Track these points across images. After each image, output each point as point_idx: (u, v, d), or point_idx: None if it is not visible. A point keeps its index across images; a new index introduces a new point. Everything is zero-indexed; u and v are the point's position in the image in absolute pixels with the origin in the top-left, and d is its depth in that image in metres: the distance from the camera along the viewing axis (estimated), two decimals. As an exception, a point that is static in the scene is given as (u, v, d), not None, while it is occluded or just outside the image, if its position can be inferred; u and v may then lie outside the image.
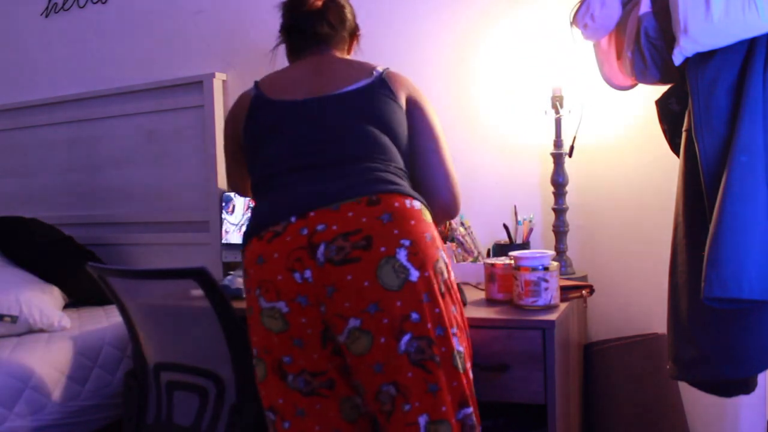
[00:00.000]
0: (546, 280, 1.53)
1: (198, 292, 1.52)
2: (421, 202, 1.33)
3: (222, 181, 2.51)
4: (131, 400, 1.77)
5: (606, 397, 1.85)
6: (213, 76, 2.51)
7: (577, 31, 1.67)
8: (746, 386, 1.46)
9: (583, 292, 1.73)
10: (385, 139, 1.37)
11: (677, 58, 1.36)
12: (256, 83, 1.51)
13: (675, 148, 1.54)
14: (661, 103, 1.56)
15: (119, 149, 2.75)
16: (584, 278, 1.96)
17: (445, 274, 1.29)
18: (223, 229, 2.41)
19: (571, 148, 1.93)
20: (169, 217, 2.65)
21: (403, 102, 1.43)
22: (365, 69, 1.45)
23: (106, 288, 1.70)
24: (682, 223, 1.43)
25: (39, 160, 2.95)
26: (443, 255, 1.30)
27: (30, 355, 1.94)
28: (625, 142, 2.03)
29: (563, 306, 1.59)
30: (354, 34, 1.63)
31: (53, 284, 2.41)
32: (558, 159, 1.95)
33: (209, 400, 1.63)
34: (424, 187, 1.43)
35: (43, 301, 2.22)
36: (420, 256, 1.24)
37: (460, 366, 1.26)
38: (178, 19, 2.66)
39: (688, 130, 1.39)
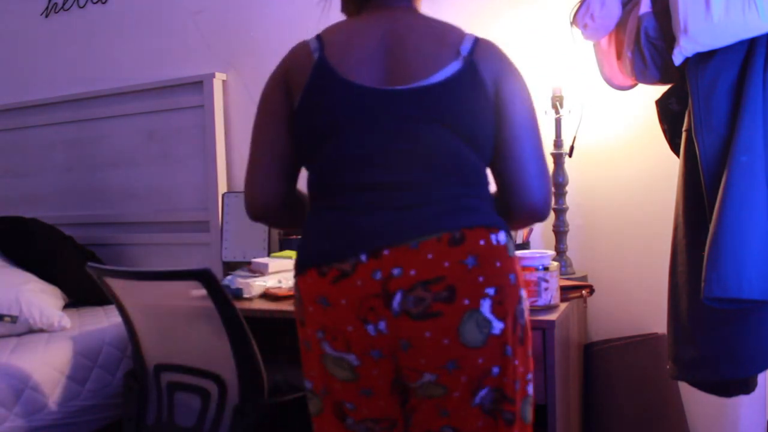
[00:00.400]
0: (546, 280, 1.53)
1: (200, 293, 1.52)
2: (506, 232, 1.13)
3: (222, 181, 2.50)
4: (131, 401, 1.77)
5: (606, 397, 1.85)
6: (213, 76, 2.51)
7: (577, 31, 1.67)
8: (746, 386, 1.46)
9: (583, 292, 1.73)
10: (471, 152, 1.14)
11: (677, 58, 1.36)
12: (319, 37, 1.20)
13: (675, 148, 1.54)
14: (661, 103, 1.56)
15: (119, 149, 2.75)
16: (584, 278, 1.95)
17: (524, 317, 1.14)
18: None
19: (571, 148, 1.93)
20: (169, 217, 2.65)
21: (491, 89, 1.16)
22: (451, 44, 1.16)
23: (105, 288, 1.70)
24: (682, 223, 1.43)
25: (39, 160, 2.95)
26: (523, 294, 1.14)
27: (30, 355, 1.94)
28: (625, 143, 2.03)
29: (563, 306, 1.59)
30: None
31: (53, 284, 2.41)
32: (558, 159, 1.95)
33: (211, 401, 1.62)
34: (506, 184, 1.18)
35: (43, 301, 2.22)
36: (504, 306, 1.08)
37: (527, 414, 1.15)
38: (178, 19, 2.66)
39: (688, 130, 1.39)
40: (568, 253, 1.97)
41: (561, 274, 1.79)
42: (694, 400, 1.90)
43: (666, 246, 1.49)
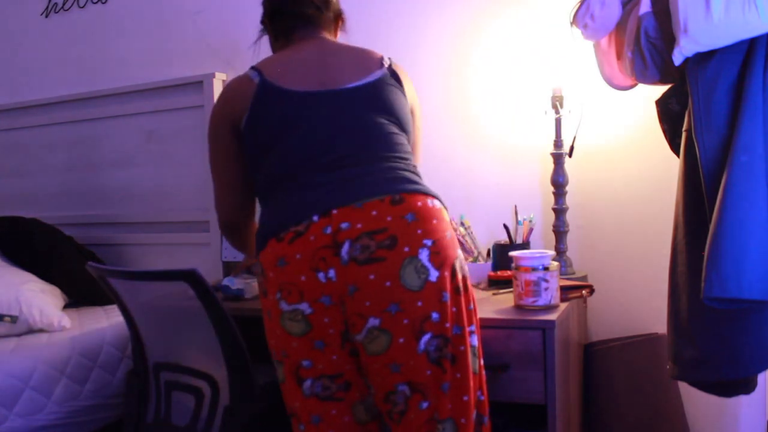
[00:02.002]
0: (546, 280, 1.53)
1: (190, 293, 1.52)
2: (441, 201, 1.33)
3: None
4: (132, 399, 1.77)
5: (606, 397, 1.85)
6: (213, 76, 2.51)
7: (577, 31, 1.67)
8: (746, 386, 1.46)
9: (583, 292, 1.73)
10: (402, 135, 1.38)
11: (677, 58, 1.36)
12: (256, 68, 1.42)
13: (675, 148, 1.54)
14: (661, 103, 1.56)
15: (119, 149, 2.75)
16: (584, 278, 1.95)
17: (463, 271, 1.30)
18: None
19: (571, 148, 1.93)
20: (169, 217, 2.65)
21: (409, 95, 1.45)
22: (374, 59, 1.43)
23: (106, 288, 1.70)
24: (682, 223, 1.43)
25: (39, 160, 2.94)
26: (461, 254, 1.31)
27: (30, 355, 1.94)
28: (625, 142, 2.03)
29: (563, 306, 1.59)
30: (339, 16, 1.58)
31: (53, 284, 2.41)
32: (558, 159, 1.95)
33: (204, 400, 1.63)
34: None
35: (43, 301, 2.22)
36: (441, 256, 1.24)
37: (475, 364, 1.29)
38: (178, 19, 2.66)
39: (688, 130, 1.39)
40: (568, 253, 1.97)
41: (561, 274, 1.79)
42: (694, 400, 1.90)
43: (666, 246, 1.49)
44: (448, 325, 1.24)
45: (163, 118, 2.64)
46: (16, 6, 3.02)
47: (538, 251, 1.60)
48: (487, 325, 1.50)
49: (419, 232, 1.23)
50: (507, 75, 2.14)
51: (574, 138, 1.93)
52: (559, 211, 1.96)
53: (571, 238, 2.01)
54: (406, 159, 1.36)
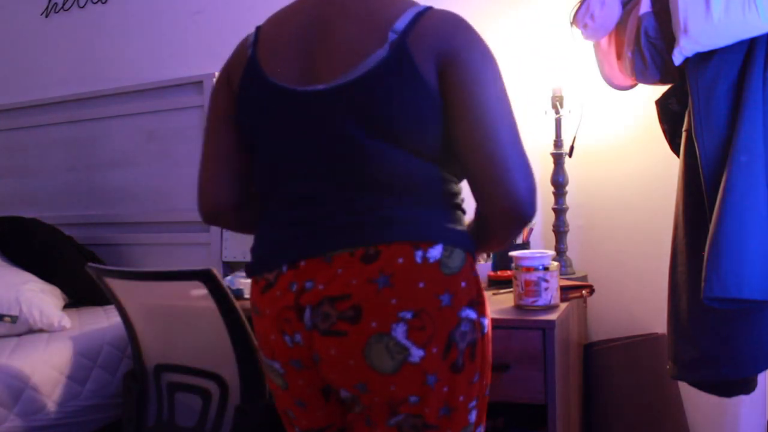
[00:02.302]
0: (546, 280, 1.53)
1: (201, 293, 1.52)
2: (449, 245, 1.00)
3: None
4: (131, 402, 1.77)
5: (606, 397, 1.85)
6: (213, 76, 2.51)
7: (577, 31, 1.67)
8: (746, 386, 1.46)
9: (583, 292, 1.73)
10: (404, 154, 1.01)
11: (677, 58, 1.36)
12: (259, 28, 1.14)
13: (675, 148, 1.54)
14: (661, 103, 1.56)
15: (119, 149, 2.75)
16: (584, 278, 1.95)
17: (466, 341, 1.00)
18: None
19: (571, 148, 1.93)
20: (169, 217, 2.65)
21: (431, 72, 0.99)
22: (382, 26, 1.00)
23: (104, 288, 1.70)
24: (682, 223, 1.43)
25: (39, 160, 2.94)
26: (470, 313, 1.01)
27: (30, 355, 1.93)
28: (625, 142, 2.03)
29: (563, 306, 1.59)
30: None
31: (53, 284, 2.41)
32: (558, 159, 1.95)
33: (212, 401, 1.62)
34: (476, 183, 1.01)
35: (43, 301, 2.22)
36: (427, 331, 0.97)
37: None
38: (178, 19, 2.66)
39: (688, 130, 1.39)
40: (568, 253, 1.97)
41: (561, 274, 1.79)
42: (694, 400, 1.90)
43: (666, 246, 1.49)
44: (428, 410, 0.99)
45: (163, 118, 2.64)
46: (16, 6, 3.02)
47: (538, 251, 1.60)
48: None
49: (393, 302, 0.96)
50: (507, 75, 2.13)
51: (574, 138, 1.93)
52: (559, 211, 1.96)
53: (571, 238, 2.01)
54: (402, 190, 1.01)
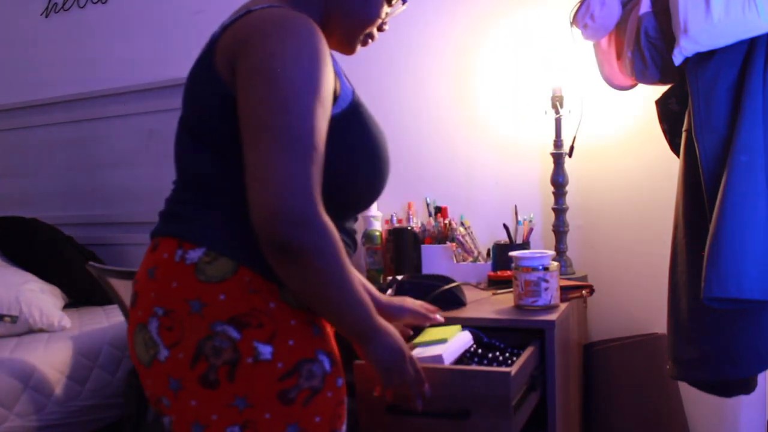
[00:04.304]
0: (546, 280, 1.53)
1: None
2: (211, 251, 0.93)
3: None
4: (132, 399, 1.77)
5: (606, 397, 1.85)
6: (213, 76, 2.51)
7: (577, 31, 1.67)
8: (746, 386, 1.46)
9: (583, 292, 1.73)
10: (202, 153, 1.01)
11: (677, 58, 1.36)
12: None
13: (675, 148, 1.54)
14: (661, 103, 1.56)
15: (119, 149, 2.75)
16: (584, 278, 1.95)
17: (230, 356, 0.90)
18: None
19: (571, 148, 1.93)
20: (169, 217, 2.65)
21: (224, 68, 0.94)
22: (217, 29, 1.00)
23: (107, 288, 1.70)
24: (682, 222, 1.43)
25: (39, 160, 2.95)
26: (230, 330, 0.90)
27: (30, 355, 1.94)
28: (625, 142, 2.03)
29: (563, 306, 1.59)
30: None
31: (53, 284, 2.41)
32: (558, 159, 1.95)
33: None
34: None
35: (43, 301, 2.22)
36: (175, 332, 0.92)
37: None
38: (178, 19, 2.66)
39: (688, 130, 1.39)
40: (568, 253, 1.97)
41: (561, 274, 1.79)
42: (694, 400, 1.90)
43: (666, 246, 1.49)
44: (175, 417, 0.95)
45: (163, 118, 2.64)
46: (16, 6, 3.02)
47: (538, 251, 1.59)
48: (487, 325, 1.50)
49: (152, 295, 0.95)
50: (507, 75, 2.14)
51: (574, 138, 1.93)
52: (559, 211, 1.96)
53: (571, 238, 2.01)
54: (193, 187, 1.02)
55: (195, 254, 0.94)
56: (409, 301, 1.33)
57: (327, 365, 0.96)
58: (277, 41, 0.90)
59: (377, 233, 2.10)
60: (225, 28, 0.97)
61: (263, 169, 0.85)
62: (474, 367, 1.29)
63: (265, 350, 0.91)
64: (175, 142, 1.07)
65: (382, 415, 1.22)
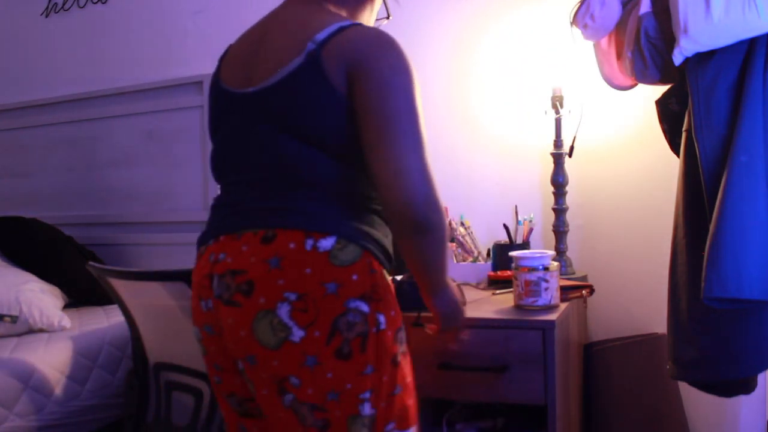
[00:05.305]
0: (546, 280, 1.53)
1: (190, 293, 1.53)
2: (341, 239, 1.08)
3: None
4: (132, 399, 1.78)
5: (606, 397, 1.85)
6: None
7: (577, 31, 1.67)
8: (746, 386, 1.46)
9: (583, 292, 1.73)
10: (315, 152, 1.11)
11: (677, 58, 1.36)
12: (229, 47, 1.33)
13: (675, 148, 1.54)
14: (661, 103, 1.56)
15: (119, 149, 2.75)
16: (584, 278, 1.95)
17: (355, 331, 1.06)
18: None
19: (571, 148, 1.93)
20: (169, 217, 2.65)
21: (340, 80, 1.09)
22: (305, 38, 1.11)
23: (107, 288, 1.70)
24: (682, 223, 1.43)
25: (39, 160, 2.95)
26: (361, 305, 1.06)
27: (30, 355, 1.94)
28: (625, 142, 2.03)
29: (563, 306, 1.59)
30: None
31: (53, 284, 2.41)
32: (558, 159, 1.95)
33: (203, 400, 1.63)
34: (376, 182, 1.09)
35: (43, 301, 2.22)
36: (311, 313, 1.04)
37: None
38: (178, 19, 2.66)
39: (688, 130, 1.39)
40: (568, 253, 1.97)
41: (561, 274, 1.79)
42: (694, 400, 1.90)
43: (666, 246, 1.49)
44: (311, 391, 1.05)
45: (163, 118, 2.64)
46: (16, 6, 3.02)
47: (538, 251, 1.59)
48: (486, 325, 1.50)
49: (280, 282, 1.04)
50: (507, 75, 2.14)
51: (574, 138, 1.93)
52: (559, 211, 1.96)
53: (571, 238, 2.01)
54: (307, 184, 1.11)
55: (327, 243, 1.07)
56: None
57: (404, 332, 1.16)
58: (394, 58, 1.09)
59: (377, 233, 2.10)
60: (323, 43, 1.09)
61: (403, 164, 1.04)
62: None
63: (382, 320, 1.09)
64: (263, 142, 1.14)
65: (435, 371, 1.48)
